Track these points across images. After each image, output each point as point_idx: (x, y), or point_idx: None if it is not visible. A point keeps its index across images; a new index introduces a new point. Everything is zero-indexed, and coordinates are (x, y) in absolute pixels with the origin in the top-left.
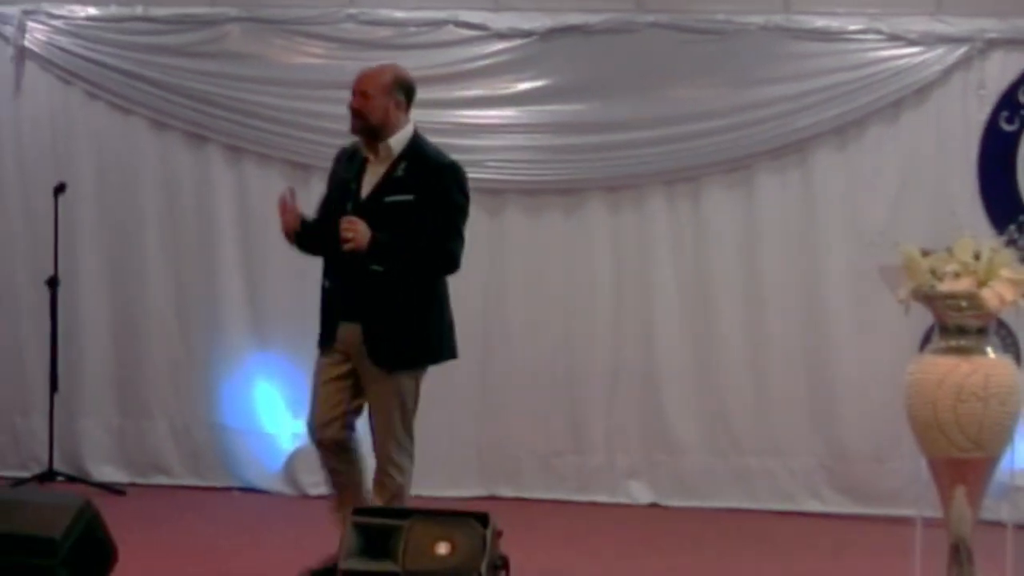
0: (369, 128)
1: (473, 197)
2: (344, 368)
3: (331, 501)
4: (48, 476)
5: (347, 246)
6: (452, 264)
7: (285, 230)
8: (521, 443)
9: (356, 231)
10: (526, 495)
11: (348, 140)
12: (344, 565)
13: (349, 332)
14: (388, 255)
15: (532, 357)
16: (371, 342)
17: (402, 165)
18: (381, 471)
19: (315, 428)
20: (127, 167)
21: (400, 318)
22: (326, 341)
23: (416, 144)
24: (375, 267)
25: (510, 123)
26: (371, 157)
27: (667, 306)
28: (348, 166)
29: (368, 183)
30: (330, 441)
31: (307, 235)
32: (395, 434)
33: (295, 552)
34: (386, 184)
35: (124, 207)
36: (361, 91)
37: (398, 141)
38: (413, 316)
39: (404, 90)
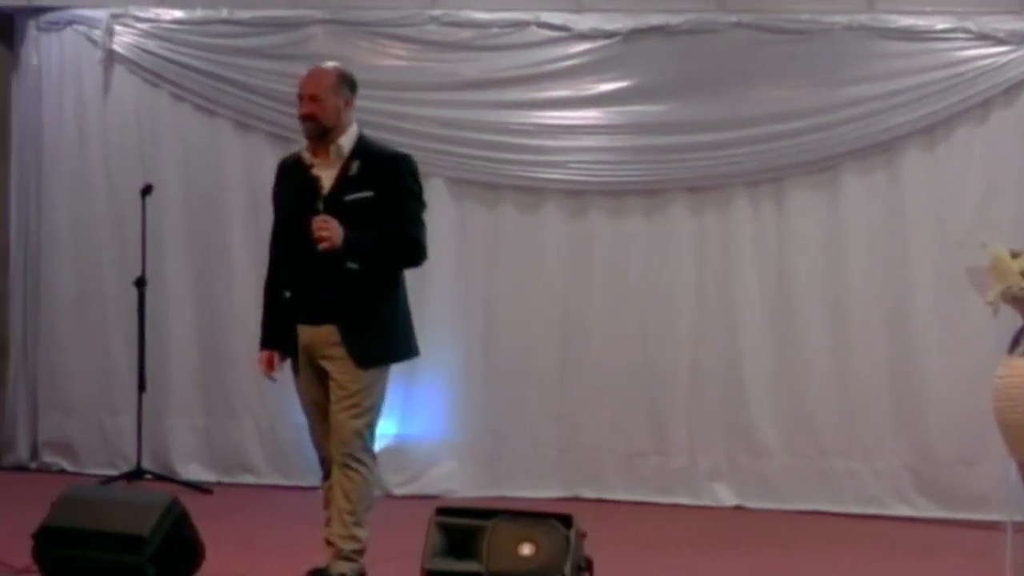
0: (323, 131)
1: (556, 198)
2: (321, 378)
3: (326, 522)
4: (136, 474)
5: (323, 245)
6: (421, 253)
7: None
8: (603, 444)
9: (331, 229)
10: (608, 496)
11: (428, 141)
12: (428, 565)
13: (314, 334)
14: (362, 251)
15: (614, 358)
16: (349, 340)
17: (355, 163)
18: (344, 467)
19: (322, 447)
20: (213, 168)
21: (375, 314)
22: (292, 351)
23: (364, 141)
24: (351, 264)
25: (592, 124)
26: (315, 161)
27: (750, 307)
28: (292, 174)
29: (322, 186)
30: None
31: (283, 327)
32: (360, 431)
33: (380, 551)
34: (342, 184)
35: (210, 208)
36: (311, 95)
37: (347, 140)
38: (386, 311)
39: (350, 86)
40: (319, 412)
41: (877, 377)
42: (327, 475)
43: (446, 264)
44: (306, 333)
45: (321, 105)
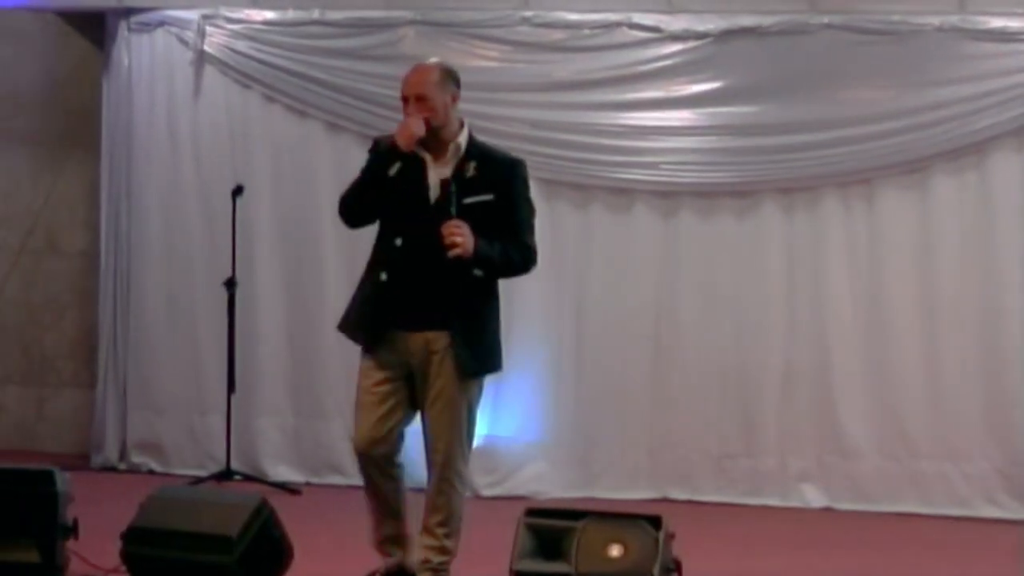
0: (433, 132)
1: (647, 199)
2: (398, 382)
3: (373, 528)
4: (225, 475)
5: (456, 251)
6: (533, 261)
7: (412, 135)
8: (693, 445)
9: (465, 236)
10: (698, 498)
11: (520, 142)
12: (517, 566)
13: (419, 341)
14: (488, 259)
15: (704, 359)
16: (460, 348)
17: (471, 164)
18: (443, 481)
19: (365, 444)
20: (303, 170)
21: (483, 322)
22: (376, 344)
23: (477, 141)
24: (477, 271)
25: (684, 125)
26: (427, 157)
27: (841, 308)
28: (399, 167)
29: (436, 185)
30: (380, 456)
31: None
32: (462, 443)
33: (469, 552)
34: (460, 185)
35: (300, 209)
36: (418, 96)
37: (463, 139)
38: (491, 320)
39: (455, 81)
40: (382, 406)
41: (968, 379)
42: (369, 472)
43: (536, 265)
44: (410, 338)
45: (429, 105)
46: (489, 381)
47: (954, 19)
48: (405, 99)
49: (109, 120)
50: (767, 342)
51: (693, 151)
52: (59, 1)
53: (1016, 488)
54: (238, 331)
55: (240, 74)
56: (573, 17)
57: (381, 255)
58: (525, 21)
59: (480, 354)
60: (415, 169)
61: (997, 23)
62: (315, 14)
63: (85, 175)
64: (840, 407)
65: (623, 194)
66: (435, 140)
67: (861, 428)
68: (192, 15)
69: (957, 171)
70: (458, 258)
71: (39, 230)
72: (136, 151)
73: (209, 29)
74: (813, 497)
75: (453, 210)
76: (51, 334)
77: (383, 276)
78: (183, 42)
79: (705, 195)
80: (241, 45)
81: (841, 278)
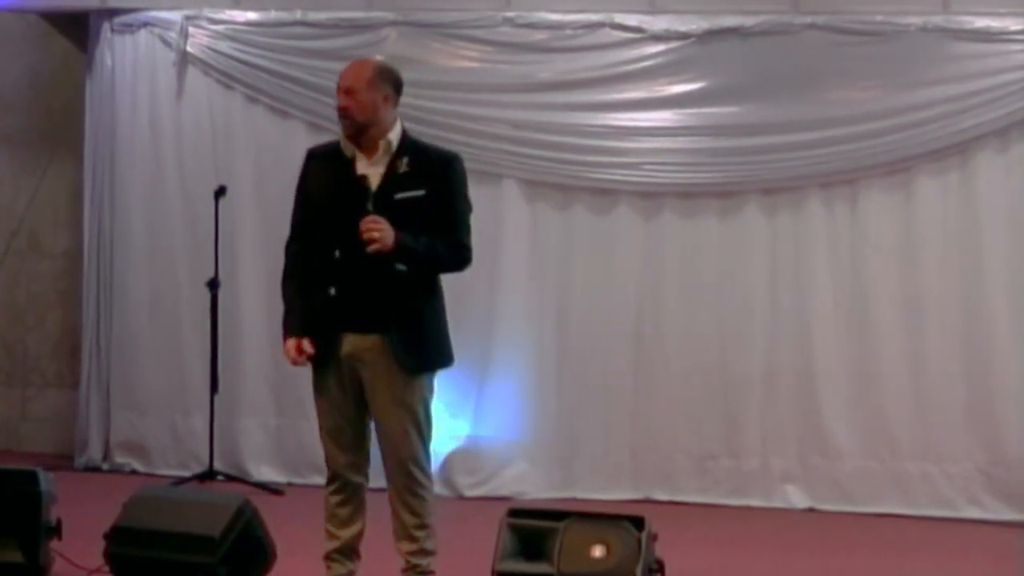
0: (359, 127)
1: (630, 200)
2: (353, 394)
3: (335, 552)
4: (208, 475)
5: (373, 247)
6: (468, 258)
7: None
8: (675, 446)
9: (382, 230)
10: (680, 498)
11: (502, 143)
12: (499, 567)
13: (359, 342)
14: (413, 253)
15: (687, 360)
16: (398, 346)
17: (403, 160)
18: (408, 480)
19: (342, 471)
20: (286, 170)
21: (422, 319)
22: (327, 357)
23: (411, 138)
24: (399, 266)
25: (666, 126)
26: (357, 155)
27: (824, 309)
28: (331, 166)
29: (369, 184)
30: (358, 482)
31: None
32: (422, 443)
33: (451, 552)
34: (392, 181)
35: (283, 210)
36: (346, 88)
37: (395, 136)
38: (432, 316)
39: (391, 83)
40: (348, 431)
41: (951, 379)
42: (338, 489)
43: (519, 266)
44: (349, 342)
45: (355, 99)
46: (472, 381)
47: (937, 19)
48: (337, 90)
49: (92, 121)
50: (750, 343)
51: (676, 152)
52: (42, 2)
53: (999, 489)
54: (221, 331)
55: (222, 75)
56: (555, 17)
57: (324, 267)
58: (507, 22)
59: (421, 352)
60: (346, 174)
61: (980, 23)
62: (297, 15)
63: (68, 176)
64: (823, 407)
65: (606, 195)
66: (364, 137)
67: (844, 428)
68: (175, 16)
69: (941, 171)
70: (378, 252)
71: (22, 231)
72: (119, 152)
73: (192, 30)
74: (796, 498)
75: (370, 206)
76: (34, 335)
77: (332, 291)
78: (166, 43)
79: (688, 196)
80: (223, 46)
81: (824, 279)
